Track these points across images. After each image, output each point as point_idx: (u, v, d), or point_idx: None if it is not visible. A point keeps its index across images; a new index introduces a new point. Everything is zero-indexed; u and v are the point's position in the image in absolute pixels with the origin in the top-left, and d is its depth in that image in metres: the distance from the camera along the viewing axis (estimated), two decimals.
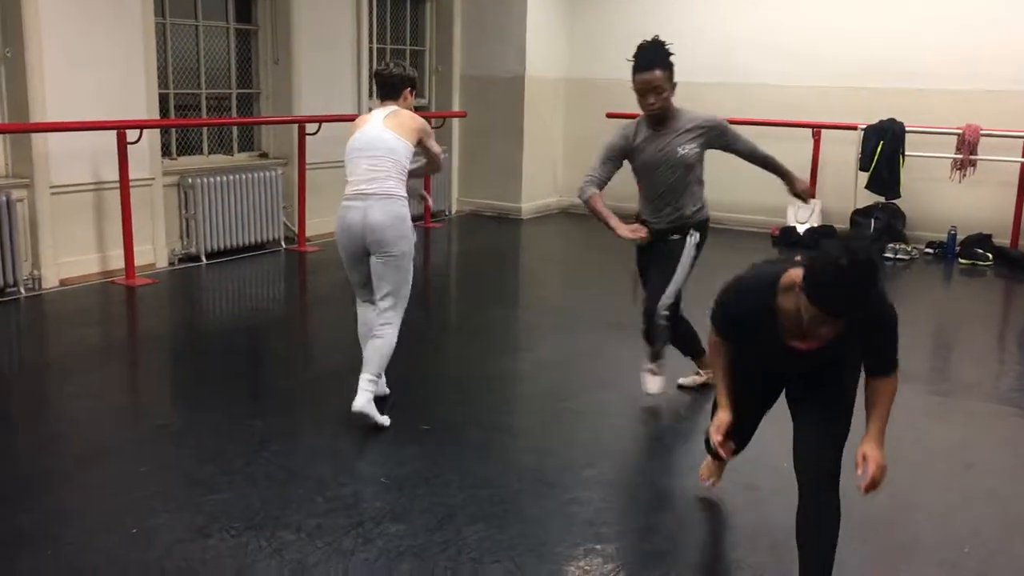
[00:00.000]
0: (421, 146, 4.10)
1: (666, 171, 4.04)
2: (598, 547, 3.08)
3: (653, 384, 4.32)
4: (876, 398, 2.56)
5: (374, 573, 2.86)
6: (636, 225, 4.06)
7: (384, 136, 3.97)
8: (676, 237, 4.11)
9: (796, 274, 2.42)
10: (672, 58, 3.91)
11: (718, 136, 4.10)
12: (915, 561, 3.04)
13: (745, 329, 2.65)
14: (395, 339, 4.04)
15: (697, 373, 4.56)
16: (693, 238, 4.13)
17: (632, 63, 3.93)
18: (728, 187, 8.96)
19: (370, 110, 4.66)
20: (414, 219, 4.15)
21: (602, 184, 4.07)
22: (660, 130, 4.03)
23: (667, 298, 4.08)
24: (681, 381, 4.56)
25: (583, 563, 2.99)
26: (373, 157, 3.95)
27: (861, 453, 2.50)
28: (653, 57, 3.87)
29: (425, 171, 4.39)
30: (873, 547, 3.13)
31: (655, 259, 4.18)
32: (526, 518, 3.28)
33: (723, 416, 2.78)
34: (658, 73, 3.85)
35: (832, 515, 2.60)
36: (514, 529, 3.17)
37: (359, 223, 3.94)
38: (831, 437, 2.63)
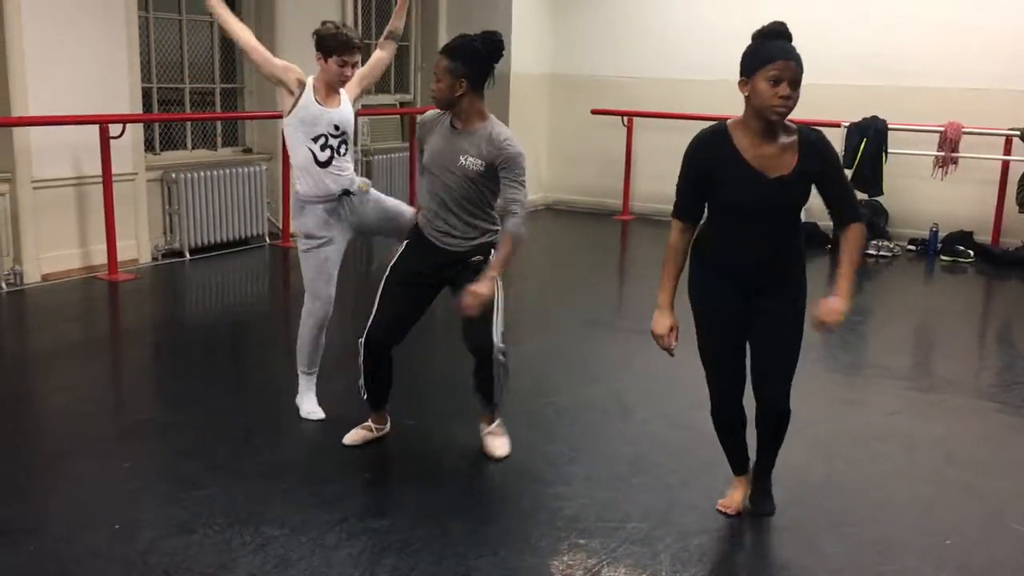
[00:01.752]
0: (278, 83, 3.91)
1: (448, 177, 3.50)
2: (582, 542, 3.09)
3: (502, 445, 3.74)
4: (844, 244, 2.98)
5: (358, 568, 2.86)
6: None
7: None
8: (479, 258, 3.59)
9: (742, 81, 2.83)
10: (472, 54, 3.44)
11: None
12: (897, 554, 3.07)
13: (712, 170, 2.89)
14: (304, 333, 3.99)
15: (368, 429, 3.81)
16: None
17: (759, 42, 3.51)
18: None
19: None
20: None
21: None
22: (457, 128, 3.51)
23: (500, 328, 3.67)
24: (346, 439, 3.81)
25: (567, 558, 3.00)
26: None
27: (823, 305, 2.91)
28: (451, 43, 3.48)
29: None
30: (854, 540, 3.15)
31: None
32: (510, 513, 3.29)
33: (665, 322, 3.04)
34: (444, 63, 3.42)
35: (784, 423, 3.10)
36: (498, 524, 3.18)
37: None
38: (785, 371, 3.05)
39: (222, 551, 2.93)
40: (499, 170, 3.43)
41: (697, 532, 3.23)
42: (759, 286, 2.98)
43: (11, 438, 3.91)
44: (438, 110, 3.57)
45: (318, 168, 3.85)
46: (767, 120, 2.81)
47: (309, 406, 4.05)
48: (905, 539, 3.18)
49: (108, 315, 6.08)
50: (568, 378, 4.78)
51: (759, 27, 2.82)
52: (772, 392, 3.04)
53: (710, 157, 2.90)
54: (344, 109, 3.96)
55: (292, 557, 2.91)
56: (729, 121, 2.92)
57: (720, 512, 3.27)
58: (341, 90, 4.00)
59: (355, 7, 8.78)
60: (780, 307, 2.98)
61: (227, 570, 2.82)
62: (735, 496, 3.29)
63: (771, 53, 2.75)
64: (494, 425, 3.78)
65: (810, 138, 2.91)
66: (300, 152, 3.86)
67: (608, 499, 3.42)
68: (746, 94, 2.83)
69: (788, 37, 2.80)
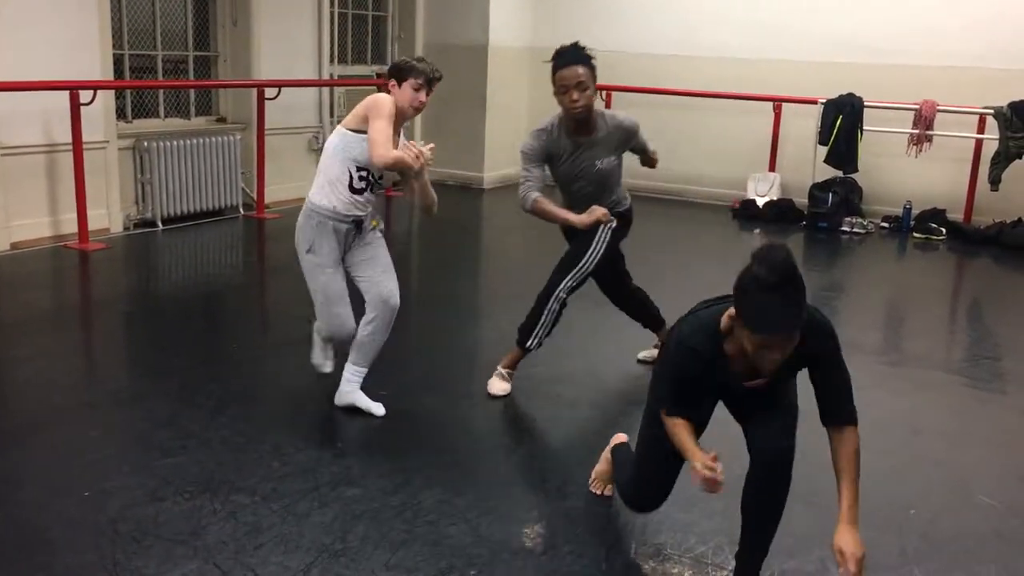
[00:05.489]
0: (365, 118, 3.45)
1: (585, 184, 4.00)
2: (555, 510, 3.11)
3: (498, 386, 4.11)
4: (840, 461, 2.46)
5: (330, 535, 2.86)
6: (594, 207, 3.93)
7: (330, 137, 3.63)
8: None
9: (731, 313, 2.34)
10: (594, 61, 3.83)
11: (634, 138, 4.06)
12: (862, 524, 3.09)
13: (700, 388, 2.56)
14: (321, 328, 3.83)
15: (655, 346, 4.50)
16: (608, 225, 4.00)
17: (552, 63, 3.84)
18: (688, 160, 9.07)
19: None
20: None
21: (541, 186, 3.97)
22: (580, 141, 3.92)
23: (569, 281, 4.00)
24: (641, 355, 4.56)
25: (539, 527, 3.02)
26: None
27: (838, 548, 2.38)
28: (576, 54, 3.80)
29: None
30: (822, 510, 3.18)
31: (570, 243, 4.14)
32: (483, 483, 3.30)
33: (700, 459, 2.41)
34: (581, 70, 3.76)
35: (782, 490, 2.58)
36: (471, 493, 3.19)
37: None
38: (784, 425, 2.57)
39: (192, 518, 2.92)
40: (634, 140, 4.05)
41: (675, 499, 3.26)
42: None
43: None
44: (543, 127, 3.96)
45: (348, 192, 3.54)
46: None
47: (318, 359, 3.98)
48: (871, 509, 3.20)
49: (78, 285, 6.01)
50: (545, 351, 4.77)
51: None
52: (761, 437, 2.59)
53: (694, 373, 2.51)
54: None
55: (263, 525, 2.91)
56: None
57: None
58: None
59: (331, 25, 8.78)
60: None
61: (197, 537, 2.82)
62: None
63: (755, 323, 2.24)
64: (504, 370, 4.12)
65: (811, 338, 2.37)
66: (336, 168, 3.53)
67: (584, 470, 3.44)
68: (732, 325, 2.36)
69: (797, 294, 2.22)
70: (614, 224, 4.01)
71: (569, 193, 4.07)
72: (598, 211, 3.90)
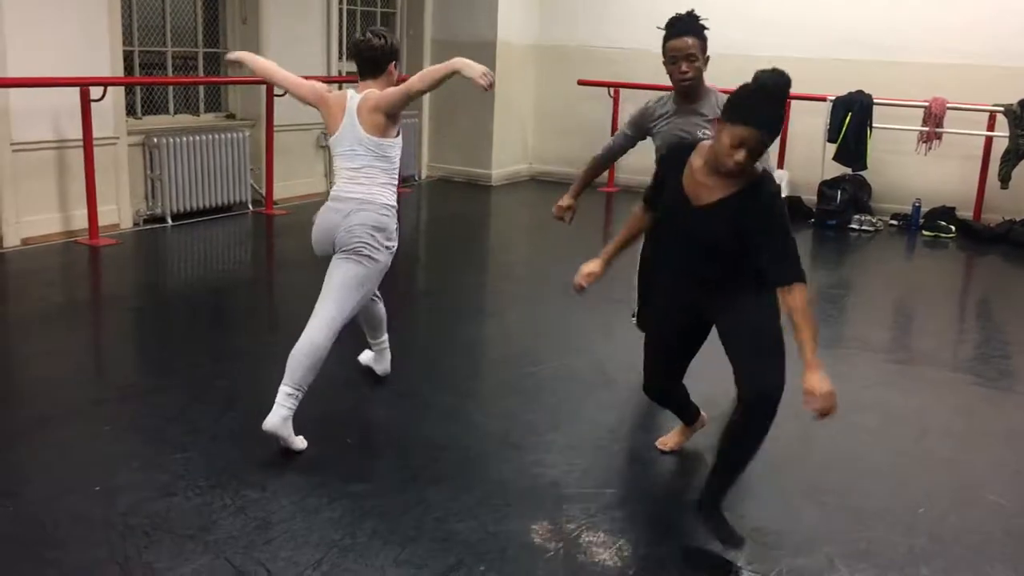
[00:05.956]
0: (396, 110, 3.50)
1: None
2: (562, 507, 3.12)
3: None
4: (795, 316, 2.64)
5: (339, 531, 2.88)
6: (563, 205, 3.94)
7: (363, 138, 3.52)
8: None
9: (719, 121, 2.75)
10: (706, 31, 3.69)
11: None
12: (870, 522, 3.11)
13: (662, 185, 2.98)
14: (326, 344, 3.43)
15: None
16: None
17: (663, 31, 3.71)
18: None
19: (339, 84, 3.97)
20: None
21: (611, 152, 3.98)
22: (684, 106, 3.76)
23: None
24: None
25: (546, 523, 3.02)
26: (353, 164, 3.55)
27: (807, 388, 2.56)
28: (688, 24, 3.67)
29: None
30: (829, 508, 3.19)
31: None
32: (490, 480, 3.31)
33: (591, 265, 3.21)
34: (690, 40, 3.63)
35: (758, 432, 2.79)
36: (478, 490, 3.20)
37: (336, 224, 3.49)
38: (772, 366, 2.76)
39: (203, 513, 2.94)
40: None
41: (675, 498, 3.27)
42: (703, 301, 2.96)
43: None
44: (656, 99, 3.84)
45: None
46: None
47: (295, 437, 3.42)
48: (879, 508, 3.22)
49: (89, 280, 6.04)
50: (551, 348, 4.80)
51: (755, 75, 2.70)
52: (749, 376, 2.78)
53: (667, 169, 2.99)
54: None
55: (273, 519, 2.92)
56: (703, 141, 2.94)
57: (659, 449, 3.56)
58: None
59: (340, 22, 8.79)
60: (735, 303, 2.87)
61: (207, 532, 2.83)
62: (673, 436, 3.58)
63: (742, 115, 2.65)
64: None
65: (756, 181, 2.74)
66: (399, 165, 3.63)
67: (588, 466, 3.45)
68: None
69: (780, 98, 2.69)
70: None
71: None
72: (565, 211, 3.92)
